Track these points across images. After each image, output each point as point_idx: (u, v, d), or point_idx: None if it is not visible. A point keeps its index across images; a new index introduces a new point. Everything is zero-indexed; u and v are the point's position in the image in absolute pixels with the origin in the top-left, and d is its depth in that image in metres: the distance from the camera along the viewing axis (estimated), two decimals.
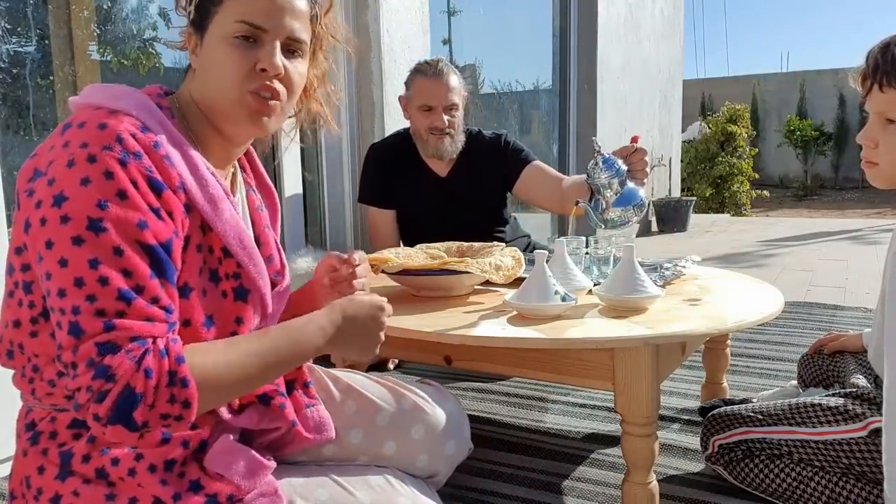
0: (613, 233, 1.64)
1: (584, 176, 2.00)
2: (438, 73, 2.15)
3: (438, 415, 1.14)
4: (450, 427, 1.15)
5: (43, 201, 0.80)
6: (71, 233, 0.79)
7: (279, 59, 0.95)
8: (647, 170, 1.73)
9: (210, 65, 0.95)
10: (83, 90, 0.93)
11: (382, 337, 1.03)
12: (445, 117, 2.15)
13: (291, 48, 0.98)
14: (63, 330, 0.78)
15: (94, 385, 0.76)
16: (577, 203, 1.68)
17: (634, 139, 1.74)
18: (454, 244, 1.73)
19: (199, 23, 0.97)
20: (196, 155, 0.93)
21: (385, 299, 1.04)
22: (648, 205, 6.33)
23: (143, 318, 0.80)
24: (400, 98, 2.29)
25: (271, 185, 1.15)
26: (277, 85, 0.96)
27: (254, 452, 0.94)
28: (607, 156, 1.64)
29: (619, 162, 1.64)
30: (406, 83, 2.25)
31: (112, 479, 0.86)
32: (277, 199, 1.15)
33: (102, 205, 0.79)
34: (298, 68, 1.00)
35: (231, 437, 0.94)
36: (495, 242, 1.73)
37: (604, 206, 1.63)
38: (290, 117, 1.09)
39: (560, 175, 2.22)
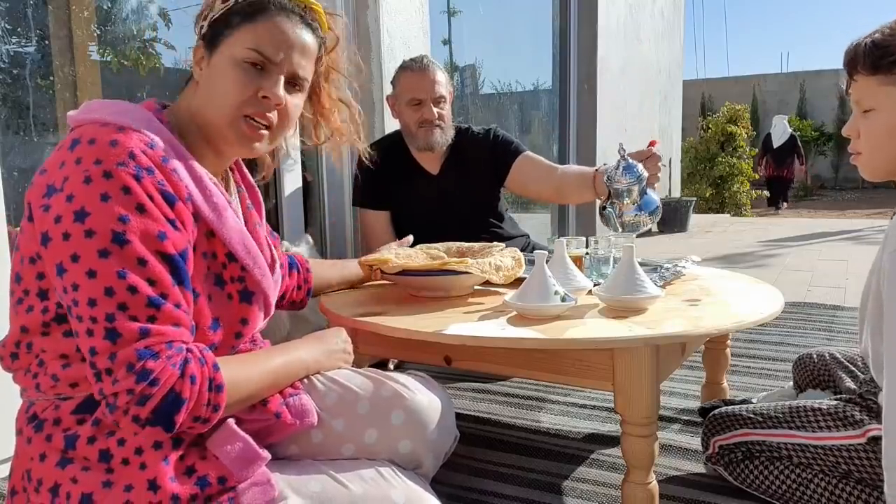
0: (629, 236, 1.70)
1: (583, 168, 2.04)
2: (424, 67, 2.16)
3: (418, 401, 1.14)
4: (431, 412, 1.15)
5: (63, 216, 0.84)
6: (97, 246, 0.84)
7: (282, 90, 1.02)
8: (659, 175, 1.77)
9: (214, 82, 1.01)
10: (82, 106, 0.97)
11: (349, 362, 1.23)
12: (435, 109, 2.15)
13: (294, 82, 1.06)
14: (96, 336, 0.83)
15: (136, 388, 0.82)
16: (602, 208, 1.74)
17: (652, 143, 1.78)
18: (454, 245, 1.73)
19: (211, 40, 1.02)
20: (198, 167, 0.98)
21: (347, 338, 1.25)
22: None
23: (172, 323, 0.87)
24: (388, 98, 2.29)
25: (253, 181, 1.21)
26: (273, 115, 1.03)
27: (250, 440, 0.96)
28: (630, 161, 1.68)
29: (640, 167, 1.68)
30: (392, 82, 2.25)
31: (112, 465, 0.88)
32: (260, 196, 1.21)
33: (124, 218, 0.85)
34: (296, 101, 1.07)
35: (232, 420, 0.97)
36: (495, 243, 1.73)
37: (619, 210, 1.68)
38: (322, 143, 1.23)
39: (552, 164, 2.21)
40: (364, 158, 1.41)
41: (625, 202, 1.66)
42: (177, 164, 0.93)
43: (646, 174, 1.67)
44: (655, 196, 1.71)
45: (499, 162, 2.24)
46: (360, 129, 1.26)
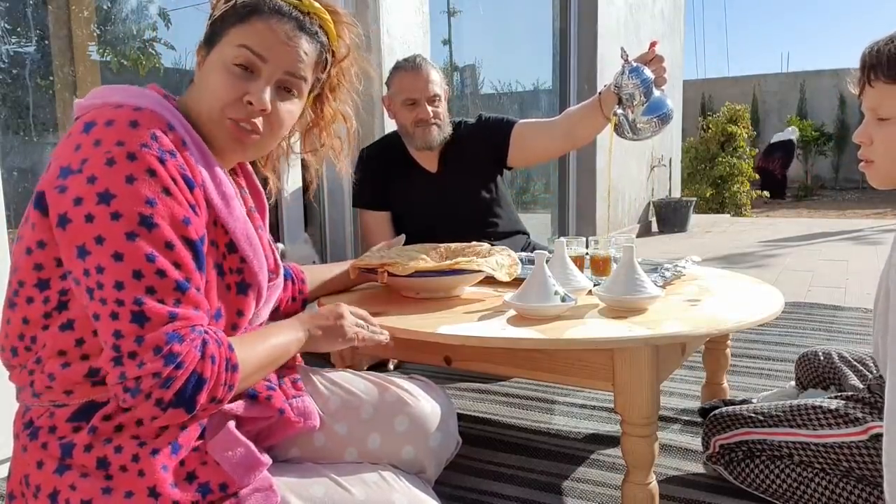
0: (644, 140, 1.73)
1: (582, 103, 2.02)
2: (417, 66, 2.16)
3: (422, 407, 1.14)
4: (435, 419, 1.15)
5: (85, 198, 0.83)
6: (124, 228, 0.83)
7: (267, 95, 0.99)
8: (666, 76, 1.77)
9: (205, 83, 1.00)
10: (89, 93, 0.95)
11: (348, 335, 1.14)
12: (430, 108, 2.14)
13: (287, 86, 1.02)
14: (122, 319, 0.82)
15: (163, 371, 0.82)
16: (614, 113, 1.73)
17: (653, 44, 1.77)
18: (429, 245, 1.71)
19: (208, 40, 1.01)
20: (209, 153, 0.97)
21: (344, 308, 1.16)
22: (649, 204, 6.33)
23: (194, 307, 0.87)
24: (383, 98, 2.29)
25: (259, 186, 1.19)
26: (259, 121, 1.00)
27: (252, 446, 0.95)
28: (634, 64, 1.68)
29: (646, 70, 1.68)
30: (387, 82, 2.25)
31: (111, 472, 0.87)
32: (265, 201, 1.19)
33: (151, 201, 0.84)
34: (288, 107, 1.03)
35: (233, 424, 0.96)
36: (476, 242, 1.70)
37: (631, 115, 1.69)
38: (317, 147, 1.18)
39: (549, 119, 2.19)
40: (345, 171, 1.31)
41: (635, 103, 1.68)
42: (192, 148, 0.93)
43: (651, 76, 1.68)
44: (668, 101, 1.71)
45: (496, 144, 2.22)
46: (349, 147, 1.23)
